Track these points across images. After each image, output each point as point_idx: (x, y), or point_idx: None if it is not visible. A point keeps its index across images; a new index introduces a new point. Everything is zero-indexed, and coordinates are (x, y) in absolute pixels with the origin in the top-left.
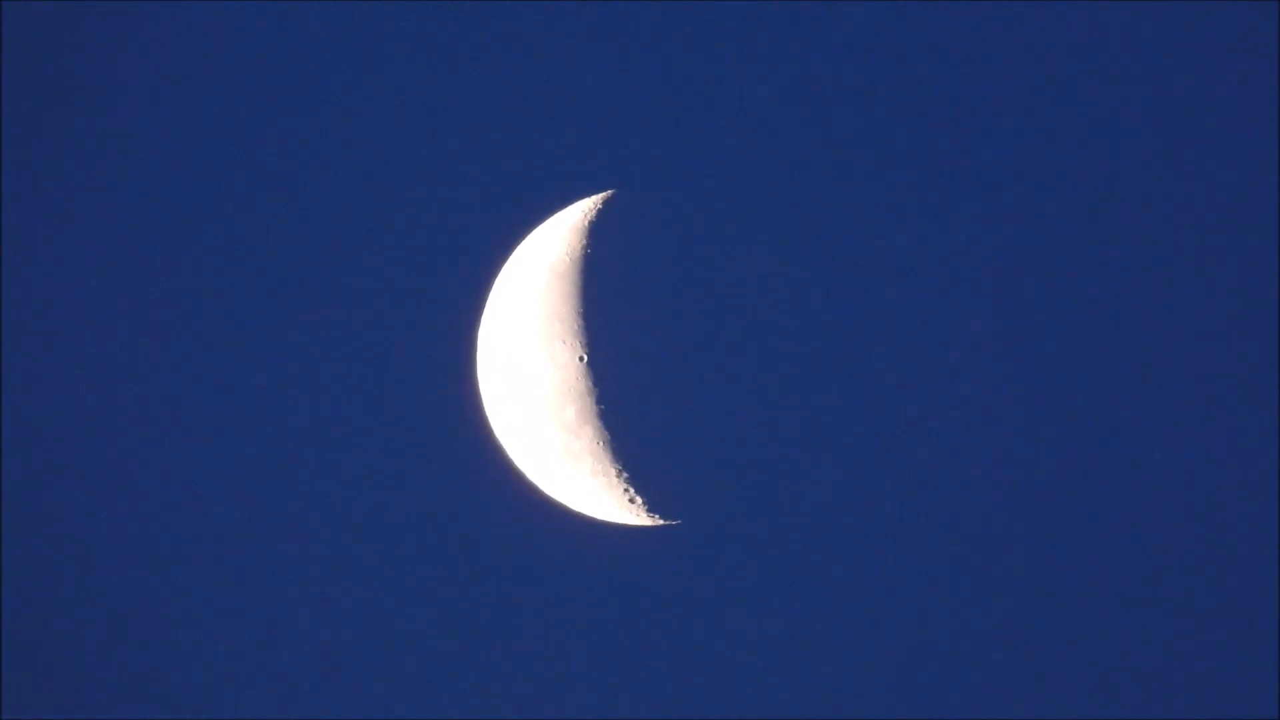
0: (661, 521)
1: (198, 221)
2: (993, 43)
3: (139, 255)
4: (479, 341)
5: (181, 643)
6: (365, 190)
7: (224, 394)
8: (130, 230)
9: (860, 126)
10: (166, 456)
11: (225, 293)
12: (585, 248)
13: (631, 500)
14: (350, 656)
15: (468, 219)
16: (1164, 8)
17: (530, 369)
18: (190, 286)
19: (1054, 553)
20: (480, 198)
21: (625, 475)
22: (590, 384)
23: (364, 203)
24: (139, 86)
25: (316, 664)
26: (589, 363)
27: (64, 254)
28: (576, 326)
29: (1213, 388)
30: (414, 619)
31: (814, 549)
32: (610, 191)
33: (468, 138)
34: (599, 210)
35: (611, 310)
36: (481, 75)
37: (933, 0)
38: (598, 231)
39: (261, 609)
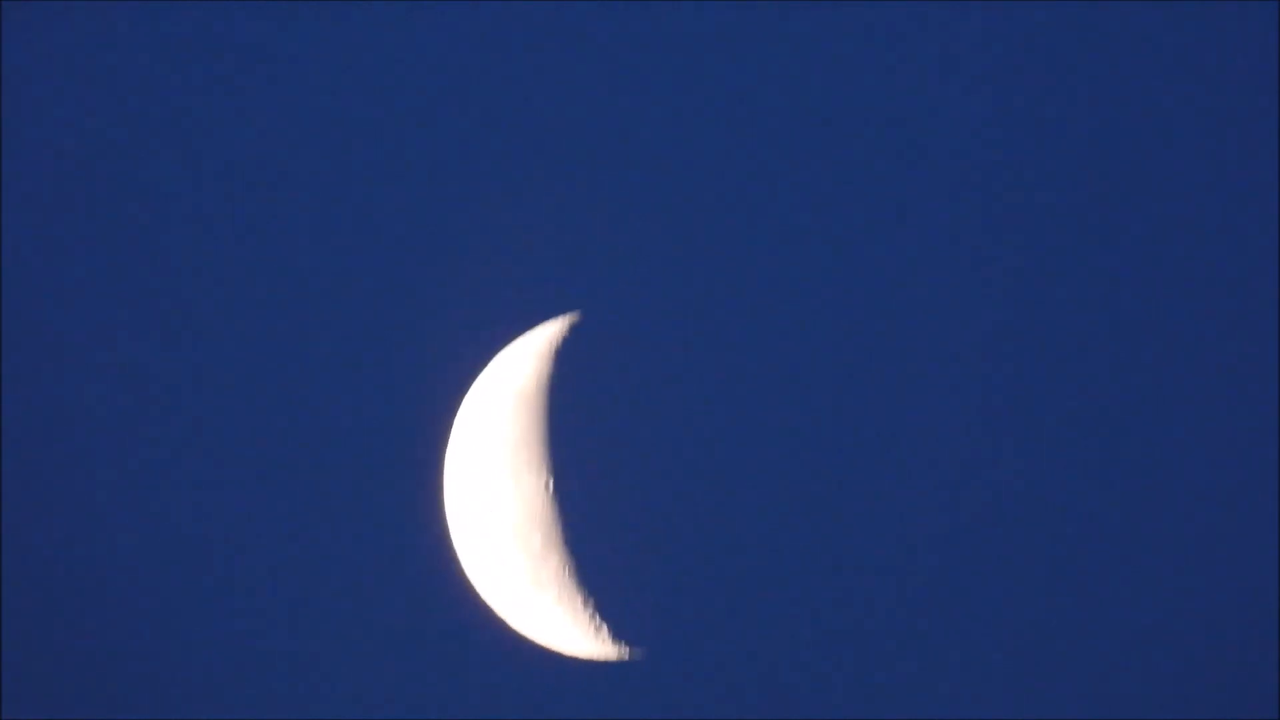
0: (627, 649)
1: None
2: (981, 43)
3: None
4: (445, 467)
5: (168, 653)
6: (332, 314)
7: (184, 489)
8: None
9: (829, 217)
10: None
11: (193, 405)
12: (551, 372)
13: (598, 628)
14: None
15: (432, 344)
16: (1164, 8)
17: (496, 495)
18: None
19: (1048, 572)
20: (445, 323)
21: (591, 602)
22: (557, 511)
23: (330, 325)
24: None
25: None
26: (555, 489)
27: (27, 264)
28: (543, 452)
29: (1213, 388)
30: None
31: (791, 685)
32: (576, 314)
33: (432, 259)
34: (565, 334)
35: (579, 436)
36: (448, 196)
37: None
38: (564, 356)
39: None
